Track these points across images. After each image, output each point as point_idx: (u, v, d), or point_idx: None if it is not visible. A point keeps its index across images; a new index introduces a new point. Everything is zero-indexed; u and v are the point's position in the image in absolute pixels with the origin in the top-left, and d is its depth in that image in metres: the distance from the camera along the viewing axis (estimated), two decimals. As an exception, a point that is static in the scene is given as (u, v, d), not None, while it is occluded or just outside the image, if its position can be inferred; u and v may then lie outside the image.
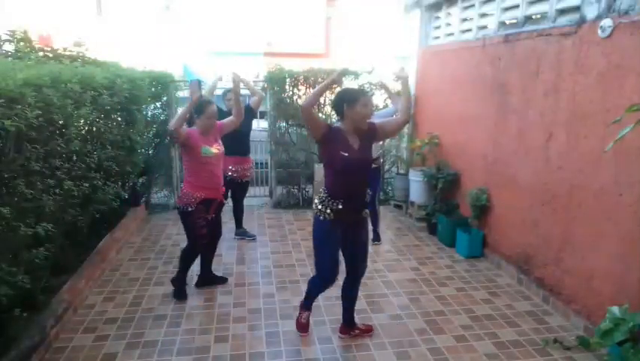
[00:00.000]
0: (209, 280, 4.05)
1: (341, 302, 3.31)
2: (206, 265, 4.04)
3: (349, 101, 2.85)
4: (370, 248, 4.89)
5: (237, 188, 5.06)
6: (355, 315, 3.35)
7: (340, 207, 2.89)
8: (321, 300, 3.77)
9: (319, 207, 2.95)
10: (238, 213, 5.26)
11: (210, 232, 3.79)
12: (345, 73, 2.87)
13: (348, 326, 3.30)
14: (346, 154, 2.83)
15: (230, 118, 3.90)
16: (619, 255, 3.05)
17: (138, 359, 3.02)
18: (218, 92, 5.08)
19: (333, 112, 5.56)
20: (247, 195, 5.42)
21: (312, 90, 2.98)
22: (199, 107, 3.57)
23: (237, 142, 4.63)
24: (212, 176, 3.65)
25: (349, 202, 2.91)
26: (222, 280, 4.11)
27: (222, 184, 3.79)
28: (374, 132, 2.99)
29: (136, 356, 3.04)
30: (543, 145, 3.78)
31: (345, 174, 2.88)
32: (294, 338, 3.27)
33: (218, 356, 3.06)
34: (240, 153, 4.83)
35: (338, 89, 3.35)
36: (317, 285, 3.21)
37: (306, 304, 3.31)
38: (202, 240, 3.72)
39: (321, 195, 2.97)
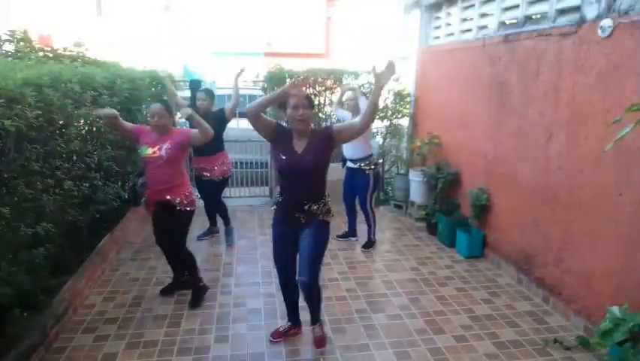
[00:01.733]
0: (176, 286, 3.94)
1: (348, 293, 3.47)
2: (174, 269, 3.94)
3: (282, 104, 2.94)
4: (370, 249, 4.94)
5: (211, 186, 4.90)
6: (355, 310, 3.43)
7: (282, 204, 2.99)
8: (321, 300, 3.77)
9: (275, 199, 3.08)
10: (219, 210, 5.08)
11: (158, 234, 3.74)
12: (295, 85, 2.80)
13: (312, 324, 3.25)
14: (284, 157, 2.86)
15: (196, 132, 3.54)
16: (619, 255, 3.05)
17: (138, 359, 3.02)
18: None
19: (333, 113, 5.59)
20: (246, 195, 5.40)
21: (262, 98, 2.91)
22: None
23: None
24: (150, 177, 3.56)
25: (289, 202, 2.95)
26: (187, 286, 3.89)
27: (156, 189, 3.55)
28: (329, 136, 2.90)
29: (136, 356, 3.04)
30: (543, 145, 3.78)
31: (285, 175, 2.96)
32: (294, 338, 3.27)
33: (218, 356, 3.06)
34: (205, 153, 4.67)
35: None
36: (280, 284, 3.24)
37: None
38: (155, 237, 3.76)
39: (277, 189, 3.09)
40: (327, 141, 2.89)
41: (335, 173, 6.25)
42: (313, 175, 2.91)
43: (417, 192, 5.79)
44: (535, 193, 3.91)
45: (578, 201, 3.42)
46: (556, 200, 3.65)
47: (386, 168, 6.97)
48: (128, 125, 3.60)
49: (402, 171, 6.72)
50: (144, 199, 3.67)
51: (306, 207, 2.90)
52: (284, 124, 3.13)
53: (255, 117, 2.84)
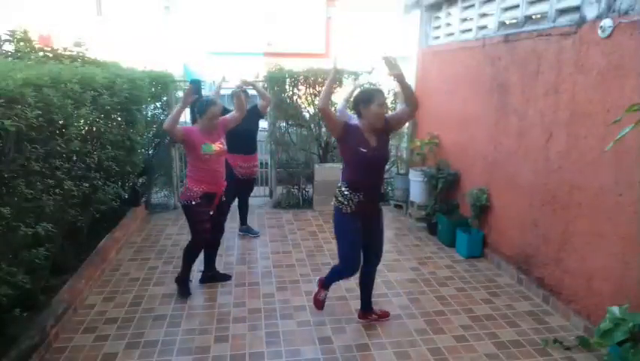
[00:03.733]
0: (212, 276, 4.09)
1: (359, 290, 3.50)
2: (209, 262, 4.09)
3: (365, 101, 3.03)
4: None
5: (243, 185, 5.12)
6: (355, 309, 3.49)
7: (361, 199, 3.07)
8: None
9: (340, 199, 3.12)
10: (243, 210, 5.36)
11: (212, 228, 3.83)
12: (337, 66, 3.04)
13: (366, 312, 3.49)
14: (364, 150, 3.02)
15: (232, 113, 3.93)
16: (619, 255, 3.05)
17: (138, 359, 3.02)
18: (224, 91, 5.09)
19: (338, 112, 5.59)
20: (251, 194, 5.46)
21: (322, 89, 3.09)
22: (201, 107, 3.64)
23: (243, 141, 4.78)
24: (213, 172, 3.71)
25: (368, 195, 3.09)
26: (226, 278, 4.14)
27: (224, 180, 3.84)
28: (387, 126, 3.14)
29: (136, 356, 3.04)
30: (543, 145, 3.78)
31: (364, 169, 3.07)
32: (294, 338, 3.27)
33: (218, 356, 3.06)
34: (245, 151, 4.89)
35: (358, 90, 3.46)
36: (338, 273, 3.36)
37: (326, 284, 3.45)
38: (204, 234, 3.75)
39: (342, 189, 3.12)
40: (387, 132, 3.17)
41: (335, 173, 6.27)
42: (385, 164, 3.30)
43: (417, 192, 5.79)
44: (535, 193, 3.91)
45: (578, 201, 3.42)
46: (556, 200, 3.65)
47: (386, 168, 6.96)
48: (180, 128, 3.62)
49: (402, 171, 6.72)
50: (198, 201, 3.67)
51: (382, 192, 3.24)
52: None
53: (326, 113, 3.03)
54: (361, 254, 3.24)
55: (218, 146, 3.69)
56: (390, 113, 3.53)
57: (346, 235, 3.18)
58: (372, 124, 3.04)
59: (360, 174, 3.08)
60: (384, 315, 3.52)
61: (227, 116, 3.91)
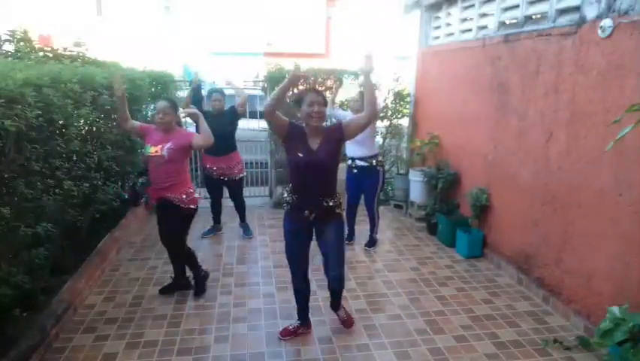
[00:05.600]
0: (177, 285, 3.98)
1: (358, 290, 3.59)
2: (174, 274, 3.98)
3: (297, 101, 2.97)
4: (370, 249, 4.94)
5: (228, 186, 5.11)
6: (350, 308, 3.50)
7: (294, 201, 2.99)
8: (320, 300, 3.77)
9: (285, 197, 3.07)
10: (238, 208, 5.33)
11: (161, 238, 3.83)
12: (298, 71, 2.86)
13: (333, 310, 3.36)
14: (301, 155, 2.89)
15: (198, 137, 3.67)
16: (619, 255, 3.05)
17: (138, 359, 3.02)
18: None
19: (328, 113, 5.59)
20: (246, 195, 5.45)
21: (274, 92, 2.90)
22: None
23: (215, 141, 4.54)
24: (152, 175, 3.65)
25: (301, 199, 2.98)
26: (187, 287, 3.95)
27: (159, 187, 3.61)
28: (339, 132, 2.97)
29: (136, 356, 3.04)
30: (543, 145, 3.78)
31: (298, 173, 2.96)
32: (294, 338, 3.27)
33: (218, 356, 3.06)
34: (217, 153, 4.76)
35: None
36: (293, 285, 3.26)
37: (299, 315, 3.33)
38: (160, 236, 3.81)
39: (287, 187, 3.09)
40: (339, 137, 2.97)
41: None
42: (327, 172, 2.97)
43: (417, 192, 5.79)
44: (535, 193, 3.91)
45: (578, 201, 3.42)
46: (556, 200, 3.65)
47: (386, 168, 6.96)
48: (136, 123, 3.66)
49: (402, 171, 6.72)
50: (144, 197, 3.69)
51: (323, 203, 2.96)
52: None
53: (270, 115, 2.84)
54: (302, 260, 3.17)
55: (156, 150, 3.50)
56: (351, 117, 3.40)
57: (285, 234, 3.13)
58: (310, 125, 2.89)
59: (297, 177, 2.97)
60: (347, 323, 3.37)
61: (196, 136, 3.68)
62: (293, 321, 3.37)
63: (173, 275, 3.95)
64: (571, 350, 3.13)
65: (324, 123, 3.02)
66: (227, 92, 4.88)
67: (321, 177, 2.95)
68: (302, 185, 2.96)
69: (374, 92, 2.93)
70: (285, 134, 2.94)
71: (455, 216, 5.13)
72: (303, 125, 2.97)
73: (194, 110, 4.07)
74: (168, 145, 3.51)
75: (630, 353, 2.38)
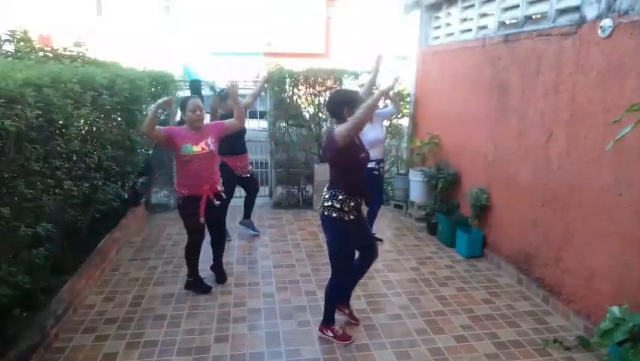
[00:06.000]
0: (216, 270, 4.15)
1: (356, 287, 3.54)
2: (215, 256, 4.15)
3: (352, 103, 2.93)
4: (380, 242, 4.94)
5: (247, 183, 5.25)
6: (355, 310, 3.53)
7: (357, 203, 3.08)
8: (320, 300, 3.77)
9: (338, 207, 3.00)
10: (247, 205, 5.42)
11: (209, 228, 3.90)
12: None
13: (342, 302, 3.44)
14: (363, 155, 3.05)
15: (231, 120, 3.87)
16: (619, 255, 3.05)
17: (138, 359, 3.02)
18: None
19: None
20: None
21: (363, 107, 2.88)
22: (182, 103, 3.73)
23: (237, 142, 4.85)
24: (194, 174, 3.64)
25: (361, 197, 3.12)
26: (222, 279, 4.12)
27: (215, 182, 3.80)
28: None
29: (136, 356, 3.04)
30: (543, 145, 3.78)
31: (359, 173, 3.08)
32: (294, 338, 3.27)
33: (218, 356, 3.06)
34: (240, 151, 5.00)
35: (337, 92, 3.31)
36: (337, 287, 3.22)
37: (330, 318, 3.27)
38: (194, 235, 3.80)
39: (339, 197, 3.00)
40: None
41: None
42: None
43: (417, 192, 5.79)
44: (535, 193, 3.91)
45: (578, 201, 3.42)
46: (556, 200, 3.65)
47: (386, 168, 6.97)
48: (161, 128, 3.62)
49: (402, 171, 6.72)
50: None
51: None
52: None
53: (354, 134, 2.97)
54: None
55: (202, 147, 3.61)
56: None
57: (347, 245, 3.13)
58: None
59: (354, 176, 3.06)
60: (355, 320, 3.43)
61: (228, 121, 3.88)
62: (336, 326, 3.28)
63: (187, 273, 4.01)
64: (571, 350, 3.13)
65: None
66: (247, 92, 4.97)
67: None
68: (359, 182, 3.07)
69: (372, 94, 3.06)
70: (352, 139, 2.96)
71: (455, 216, 5.13)
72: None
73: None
74: (210, 140, 3.68)
75: (630, 353, 2.38)
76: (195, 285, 3.93)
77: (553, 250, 3.69)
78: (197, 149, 3.60)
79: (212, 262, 4.19)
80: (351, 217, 3.05)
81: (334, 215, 3.02)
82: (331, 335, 3.22)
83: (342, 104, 2.97)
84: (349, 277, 3.30)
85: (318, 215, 6.10)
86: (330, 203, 3.03)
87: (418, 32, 6.18)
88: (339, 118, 2.99)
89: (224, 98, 4.85)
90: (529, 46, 3.92)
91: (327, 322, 3.26)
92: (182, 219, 3.84)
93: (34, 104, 2.69)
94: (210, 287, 3.94)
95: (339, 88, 3.62)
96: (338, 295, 3.28)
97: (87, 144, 3.83)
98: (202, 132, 3.68)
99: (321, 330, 3.28)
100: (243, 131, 4.95)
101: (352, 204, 3.03)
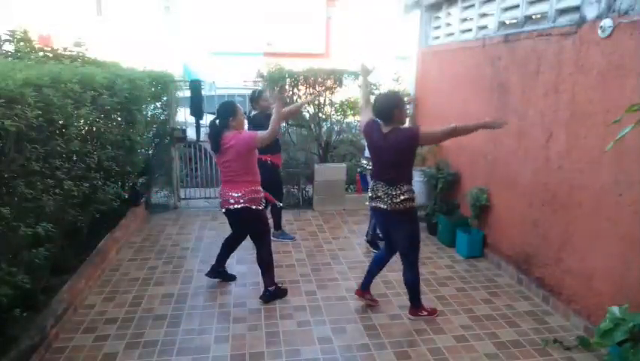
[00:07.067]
0: (219, 273, 4.11)
1: (366, 272, 3.71)
2: (222, 258, 4.12)
3: (402, 105, 3.32)
4: (371, 248, 4.94)
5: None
6: (350, 308, 3.58)
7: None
8: (320, 300, 3.78)
9: (413, 197, 3.37)
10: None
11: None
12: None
13: (364, 291, 3.69)
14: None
15: (263, 133, 3.57)
16: (619, 255, 3.05)
17: (138, 359, 3.02)
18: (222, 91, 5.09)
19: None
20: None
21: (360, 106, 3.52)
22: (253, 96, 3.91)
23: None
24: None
25: None
26: (231, 278, 4.14)
27: None
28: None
29: (136, 356, 3.04)
30: (543, 145, 3.78)
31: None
32: (294, 338, 3.27)
33: (218, 356, 3.06)
34: (279, 150, 5.09)
35: (386, 95, 3.49)
36: (416, 273, 3.51)
37: (418, 301, 3.58)
38: (270, 237, 3.91)
39: (410, 192, 3.35)
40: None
41: (335, 173, 6.27)
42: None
43: (417, 192, 5.76)
44: (535, 193, 3.91)
45: (578, 201, 3.42)
46: (556, 200, 3.65)
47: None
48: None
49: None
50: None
51: None
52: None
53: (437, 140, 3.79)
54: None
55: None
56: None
57: (418, 229, 3.52)
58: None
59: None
60: (374, 301, 3.70)
61: (257, 135, 3.59)
62: (425, 308, 3.61)
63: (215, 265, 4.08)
64: (571, 350, 3.13)
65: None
66: (219, 92, 4.87)
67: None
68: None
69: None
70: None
71: (455, 216, 5.13)
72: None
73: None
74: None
75: (630, 353, 2.38)
76: (278, 292, 3.84)
77: (553, 250, 3.69)
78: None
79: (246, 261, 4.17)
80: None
81: (414, 204, 3.38)
82: (426, 313, 3.56)
83: (393, 107, 3.24)
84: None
85: (318, 215, 6.11)
86: (406, 196, 3.31)
87: (418, 32, 6.18)
88: (389, 120, 3.27)
89: (256, 98, 4.87)
90: (529, 46, 3.92)
91: (419, 305, 3.57)
92: (262, 222, 3.78)
93: (34, 104, 2.70)
94: (286, 289, 3.94)
95: (386, 92, 3.80)
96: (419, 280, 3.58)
97: (87, 144, 3.83)
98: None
99: (415, 314, 3.56)
100: None
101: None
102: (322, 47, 15.67)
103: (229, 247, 4.08)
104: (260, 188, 3.69)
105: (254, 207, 3.63)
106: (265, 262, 3.79)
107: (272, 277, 3.81)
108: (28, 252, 2.89)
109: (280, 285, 3.89)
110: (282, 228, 5.29)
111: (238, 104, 3.70)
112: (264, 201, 3.73)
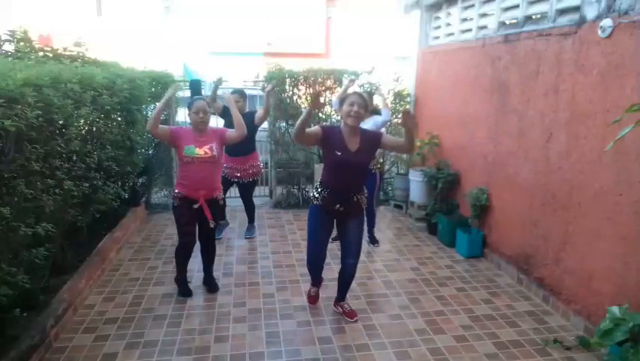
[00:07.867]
0: (206, 281, 4.02)
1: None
2: (204, 266, 4.01)
3: (341, 101, 3.24)
4: (370, 248, 4.95)
5: (238, 186, 5.15)
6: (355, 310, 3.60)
7: (325, 195, 3.25)
8: (320, 300, 3.78)
9: (313, 193, 3.36)
10: (246, 210, 5.37)
11: (199, 233, 3.80)
12: (317, 100, 3.11)
13: (337, 301, 3.64)
14: (339, 153, 3.14)
15: (232, 131, 3.75)
16: (619, 255, 3.05)
17: (138, 359, 3.02)
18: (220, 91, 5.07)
19: (335, 109, 5.60)
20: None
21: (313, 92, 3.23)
22: (188, 104, 3.68)
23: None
24: (191, 176, 3.60)
25: (333, 193, 3.24)
26: (214, 289, 3.97)
27: (209, 188, 3.68)
28: (378, 140, 3.24)
29: (136, 356, 3.04)
30: (543, 145, 3.78)
31: (335, 170, 3.22)
32: (294, 338, 3.27)
33: (218, 356, 3.06)
34: (232, 153, 4.82)
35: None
36: (307, 262, 3.58)
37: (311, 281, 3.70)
38: (185, 237, 3.71)
39: (316, 184, 3.37)
40: (376, 144, 3.25)
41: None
42: (362, 171, 3.28)
43: (417, 192, 5.79)
44: (535, 193, 3.91)
45: (577, 201, 3.42)
46: (556, 200, 3.65)
47: (386, 168, 6.97)
48: (166, 127, 3.66)
49: (402, 171, 6.72)
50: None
51: (354, 198, 3.26)
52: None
53: (300, 139, 3.15)
54: (323, 249, 3.46)
55: (205, 151, 3.56)
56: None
57: (311, 225, 3.42)
58: (348, 125, 3.15)
59: (332, 174, 3.24)
60: (350, 315, 3.52)
61: (229, 131, 3.78)
62: (312, 289, 3.71)
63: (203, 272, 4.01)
64: (571, 350, 3.13)
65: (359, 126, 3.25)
66: (220, 92, 4.83)
67: (354, 175, 3.25)
68: (337, 181, 3.23)
69: (413, 135, 3.12)
70: (321, 141, 3.19)
71: (455, 216, 5.13)
72: (341, 126, 3.23)
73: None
74: (213, 145, 3.62)
75: (630, 353, 2.38)
76: (179, 284, 3.86)
77: (553, 250, 3.69)
78: (199, 152, 3.55)
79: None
80: (318, 203, 3.36)
81: (310, 198, 3.41)
82: (340, 310, 3.58)
83: (337, 101, 3.30)
84: (311, 263, 3.58)
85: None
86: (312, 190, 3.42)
87: (418, 32, 6.18)
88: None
89: (213, 97, 4.81)
90: (529, 46, 3.92)
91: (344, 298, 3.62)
92: (174, 217, 3.76)
93: (34, 104, 2.70)
94: (190, 293, 3.84)
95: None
96: (309, 268, 3.63)
97: (87, 144, 3.84)
98: (207, 136, 3.62)
99: (338, 306, 3.61)
100: (249, 131, 4.84)
101: (322, 194, 3.33)
102: (322, 47, 15.65)
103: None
104: (177, 184, 3.75)
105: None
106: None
107: (177, 267, 3.86)
108: (28, 252, 2.89)
109: (181, 279, 3.87)
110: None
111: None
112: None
